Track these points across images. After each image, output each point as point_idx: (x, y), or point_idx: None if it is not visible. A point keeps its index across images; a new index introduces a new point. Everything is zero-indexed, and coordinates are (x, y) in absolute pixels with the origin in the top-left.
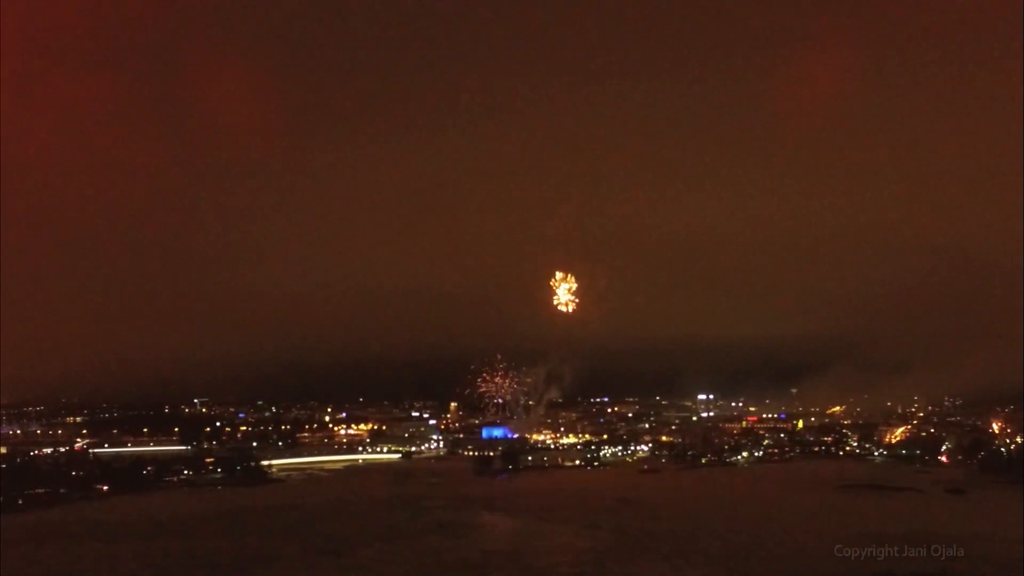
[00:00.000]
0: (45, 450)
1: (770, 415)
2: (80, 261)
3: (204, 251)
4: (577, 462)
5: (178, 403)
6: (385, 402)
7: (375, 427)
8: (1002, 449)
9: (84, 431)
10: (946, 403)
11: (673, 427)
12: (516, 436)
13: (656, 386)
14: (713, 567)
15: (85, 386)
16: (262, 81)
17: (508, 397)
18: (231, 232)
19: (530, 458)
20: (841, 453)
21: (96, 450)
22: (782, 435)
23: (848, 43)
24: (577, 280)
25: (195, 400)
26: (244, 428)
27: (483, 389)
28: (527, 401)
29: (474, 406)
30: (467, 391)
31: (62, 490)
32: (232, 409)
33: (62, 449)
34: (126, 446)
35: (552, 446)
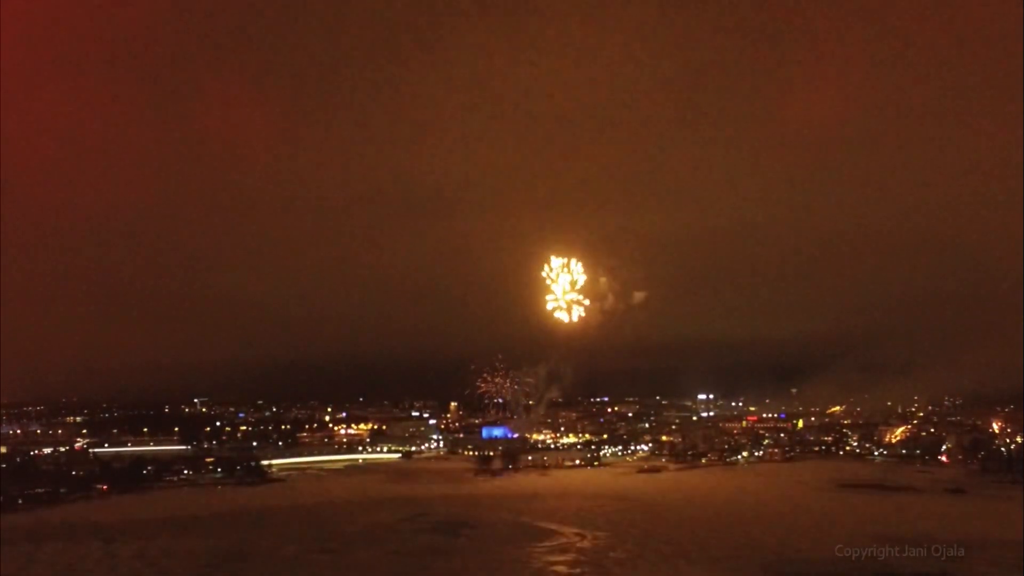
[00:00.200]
0: (45, 450)
1: (770, 415)
2: (80, 261)
3: (204, 251)
4: (577, 462)
5: (178, 403)
6: (385, 402)
7: (375, 427)
8: (1002, 449)
9: (84, 431)
10: (946, 403)
11: (673, 427)
12: (516, 436)
13: (656, 386)
14: (713, 567)
15: (85, 386)
16: (262, 81)
17: (508, 397)
18: (231, 232)
19: (530, 458)
20: (841, 453)
21: (96, 450)
22: (782, 435)
23: (848, 43)
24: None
25: (195, 400)
26: (244, 428)
27: (483, 389)
28: (527, 401)
29: (474, 406)
30: (467, 391)
31: (62, 490)
32: (232, 409)
33: (62, 449)
34: (126, 446)
35: (552, 446)
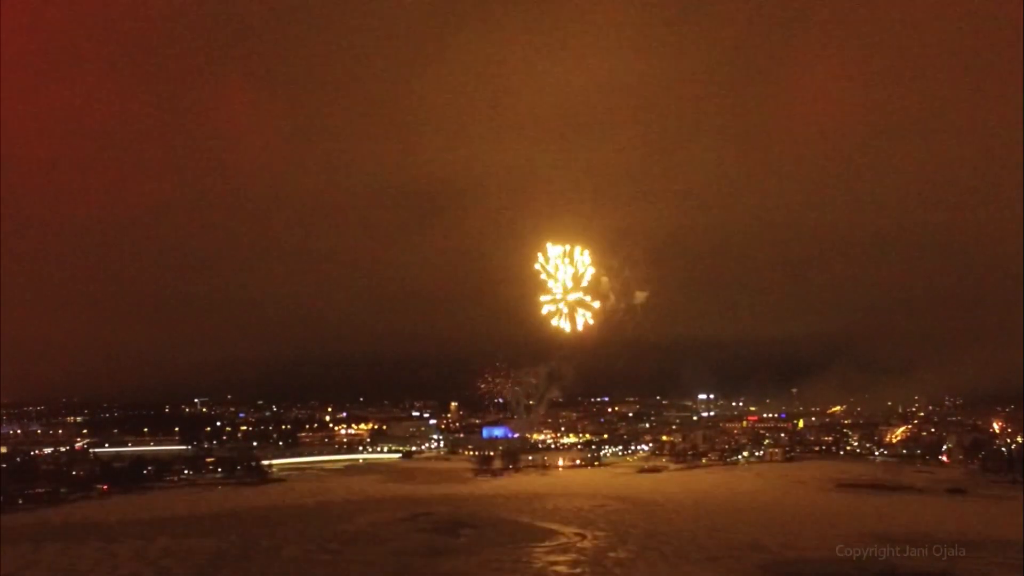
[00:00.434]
0: (45, 450)
1: (770, 415)
2: (80, 261)
3: (204, 251)
4: (578, 461)
5: (178, 403)
6: (385, 402)
7: (375, 427)
8: (1003, 449)
9: (84, 431)
10: (946, 403)
11: (674, 427)
12: (516, 436)
13: (656, 386)
14: (713, 567)
15: (85, 386)
16: (265, 80)
17: (508, 396)
18: (231, 232)
19: (531, 457)
20: (842, 453)
21: (96, 450)
22: (783, 435)
23: (848, 43)
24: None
25: (195, 400)
26: (244, 428)
27: (483, 389)
28: (528, 401)
29: (474, 406)
30: (467, 391)
31: (62, 490)
32: (232, 409)
33: (62, 449)
34: (126, 446)
35: (553, 445)
